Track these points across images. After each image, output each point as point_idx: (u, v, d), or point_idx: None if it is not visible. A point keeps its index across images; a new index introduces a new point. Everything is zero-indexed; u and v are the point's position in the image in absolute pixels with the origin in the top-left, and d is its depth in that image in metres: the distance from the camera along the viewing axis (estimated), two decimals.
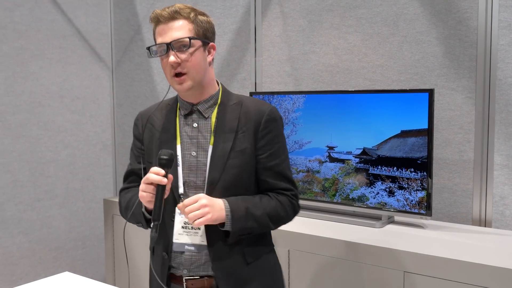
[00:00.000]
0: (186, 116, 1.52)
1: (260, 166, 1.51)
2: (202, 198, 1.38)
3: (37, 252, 3.16)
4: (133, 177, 1.62)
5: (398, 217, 2.31)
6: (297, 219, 2.31)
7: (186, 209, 1.37)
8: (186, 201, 1.38)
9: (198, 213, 1.36)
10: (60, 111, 3.27)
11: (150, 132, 1.56)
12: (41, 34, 3.14)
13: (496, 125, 2.16)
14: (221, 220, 1.40)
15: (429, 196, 2.09)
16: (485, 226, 2.21)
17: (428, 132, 2.07)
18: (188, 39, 1.41)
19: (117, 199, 2.99)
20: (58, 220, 3.27)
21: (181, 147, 1.50)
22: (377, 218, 2.25)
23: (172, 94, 1.62)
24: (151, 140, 1.55)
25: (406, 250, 1.87)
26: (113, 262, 3.02)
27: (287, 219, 1.54)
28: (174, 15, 1.42)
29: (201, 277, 1.47)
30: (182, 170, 1.48)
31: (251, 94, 2.61)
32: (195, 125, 1.50)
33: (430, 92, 2.07)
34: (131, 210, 1.47)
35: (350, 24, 2.55)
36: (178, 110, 1.55)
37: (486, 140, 2.19)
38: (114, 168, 3.63)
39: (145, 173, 1.55)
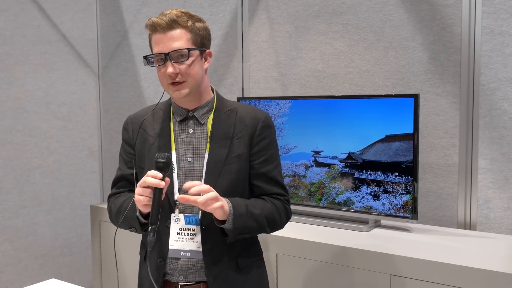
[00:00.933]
0: (180, 122, 1.52)
1: (253, 172, 1.52)
2: (210, 188, 1.35)
3: (23, 259, 3.12)
4: (122, 183, 1.60)
5: (384, 221, 2.33)
6: None
7: (199, 188, 1.31)
8: (194, 182, 1.34)
9: (213, 195, 1.32)
10: (46, 117, 3.25)
11: (142, 137, 1.55)
12: (26, 40, 3.12)
13: (480, 129, 2.20)
14: (223, 215, 1.36)
15: (415, 200, 2.11)
16: (470, 229, 2.24)
17: (413, 137, 2.10)
18: (186, 51, 1.40)
19: (104, 205, 2.97)
20: (44, 227, 3.24)
21: (176, 153, 1.49)
22: (364, 222, 2.27)
23: (164, 98, 1.62)
24: (143, 145, 1.54)
25: (393, 254, 1.88)
26: (100, 269, 3.00)
27: (281, 224, 1.54)
28: (172, 24, 1.39)
29: (197, 282, 1.47)
30: (178, 176, 1.48)
31: (239, 99, 2.62)
32: (190, 131, 1.50)
33: (415, 97, 2.10)
34: (123, 215, 1.46)
35: (336, 30, 2.57)
36: (172, 116, 1.54)
37: (471, 144, 2.22)
38: (101, 174, 3.61)
39: (136, 179, 1.55)
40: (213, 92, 1.56)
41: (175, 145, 1.50)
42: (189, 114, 1.51)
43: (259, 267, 1.59)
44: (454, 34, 2.25)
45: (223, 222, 1.39)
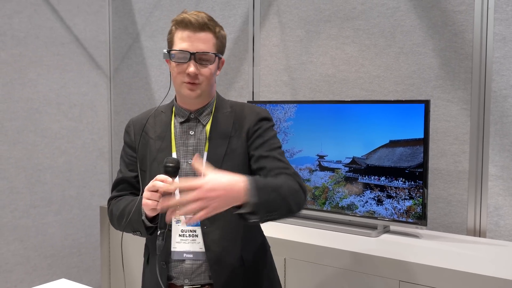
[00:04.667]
0: (182, 123, 1.52)
1: (254, 160, 1.47)
2: (201, 187, 1.19)
3: (32, 259, 3.15)
4: (123, 185, 1.58)
5: (393, 227, 2.32)
6: (292, 227, 2.33)
7: (188, 198, 1.19)
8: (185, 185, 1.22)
9: (195, 207, 1.18)
10: (57, 118, 3.28)
11: (143, 140, 1.55)
12: (39, 41, 3.16)
13: (491, 136, 2.19)
14: (235, 200, 1.23)
15: (424, 206, 2.11)
16: (479, 236, 2.22)
17: (424, 142, 2.09)
18: (213, 55, 1.43)
19: None
20: (53, 227, 3.26)
21: (176, 155, 1.49)
22: (373, 227, 2.26)
23: (166, 101, 1.63)
24: (145, 148, 1.54)
25: (402, 260, 1.88)
26: (108, 270, 3.01)
27: (303, 192, 1.39)
28: (204, 26, 1.41)
29: (202, 285, 1.47)
30: (179, 179, 1.47)
31: (249, 103, 2.63)
32: (191, 132, 1.51)
33: (426, 103, 2.09)
34: (126, 218, 1.45)
35: (347, 35, 2.57)
36: (173, 118, 1.54)
37: (481, 151, 2.21)
38: (110, 176, 3.63)
39: (137, 181, 1.55)
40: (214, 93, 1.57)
41: (176, 148, 1.50)
42: (191, 116, 1.52)
43: (266, 263, 1.58)
44: (465, 41, 2.25)
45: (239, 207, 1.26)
